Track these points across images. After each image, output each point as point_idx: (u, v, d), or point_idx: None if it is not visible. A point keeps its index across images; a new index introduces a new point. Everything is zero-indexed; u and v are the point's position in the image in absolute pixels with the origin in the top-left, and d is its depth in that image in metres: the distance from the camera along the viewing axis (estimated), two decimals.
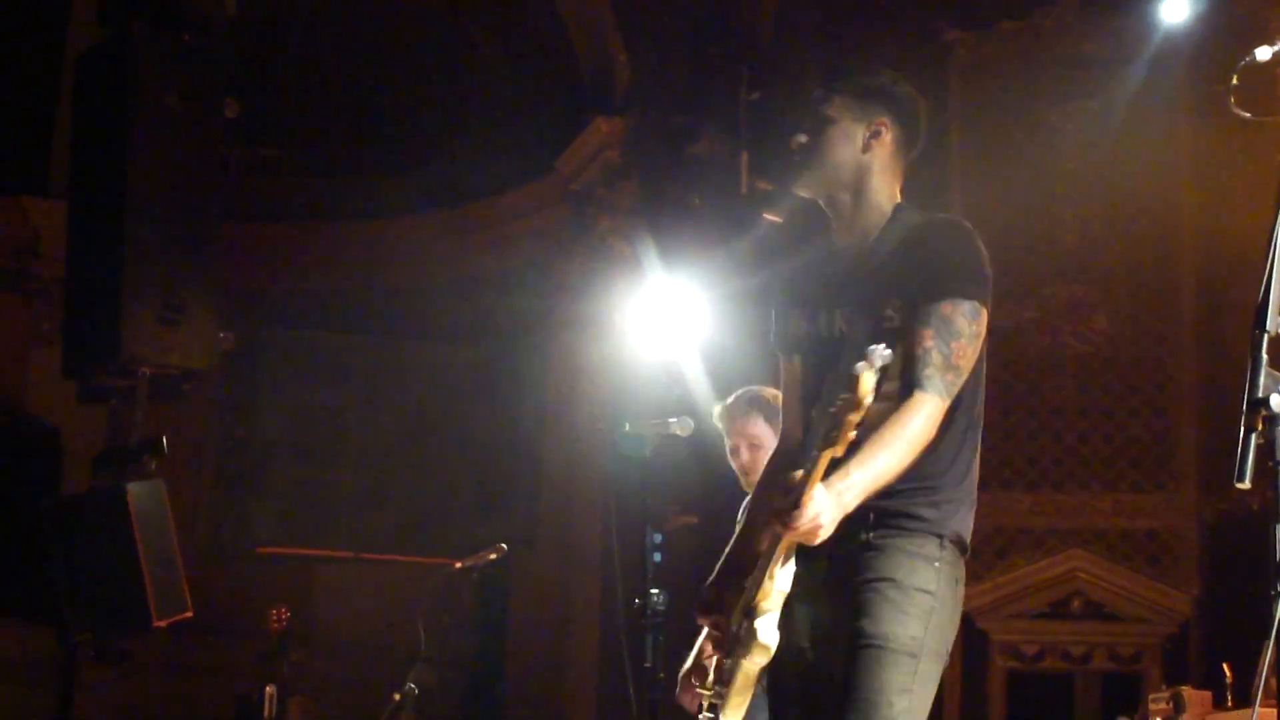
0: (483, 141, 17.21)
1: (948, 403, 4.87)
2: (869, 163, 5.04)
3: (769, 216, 14.66)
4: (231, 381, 16.73)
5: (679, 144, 15.36)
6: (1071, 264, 15.06)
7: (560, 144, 16.77)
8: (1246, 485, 4.00)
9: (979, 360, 5.02)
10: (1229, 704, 10.71)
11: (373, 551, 17.11)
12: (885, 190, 5.08)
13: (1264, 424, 4.04)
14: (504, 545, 10.14)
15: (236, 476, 17.79)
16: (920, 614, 4.75)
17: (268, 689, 13.38)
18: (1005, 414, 15.01)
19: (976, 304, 4.93)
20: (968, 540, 5.00)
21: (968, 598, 13.78)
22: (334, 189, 17.97)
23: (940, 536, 4.86)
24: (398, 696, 10.24)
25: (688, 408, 7.19)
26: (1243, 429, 4.04)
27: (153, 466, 9.10)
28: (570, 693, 15.87)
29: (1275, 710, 4.05)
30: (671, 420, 7.09)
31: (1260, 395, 4.04)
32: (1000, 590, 14.76)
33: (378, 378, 17.76)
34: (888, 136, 5.03)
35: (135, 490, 6.96)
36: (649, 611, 6.93)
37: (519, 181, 17.47)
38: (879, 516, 4.77)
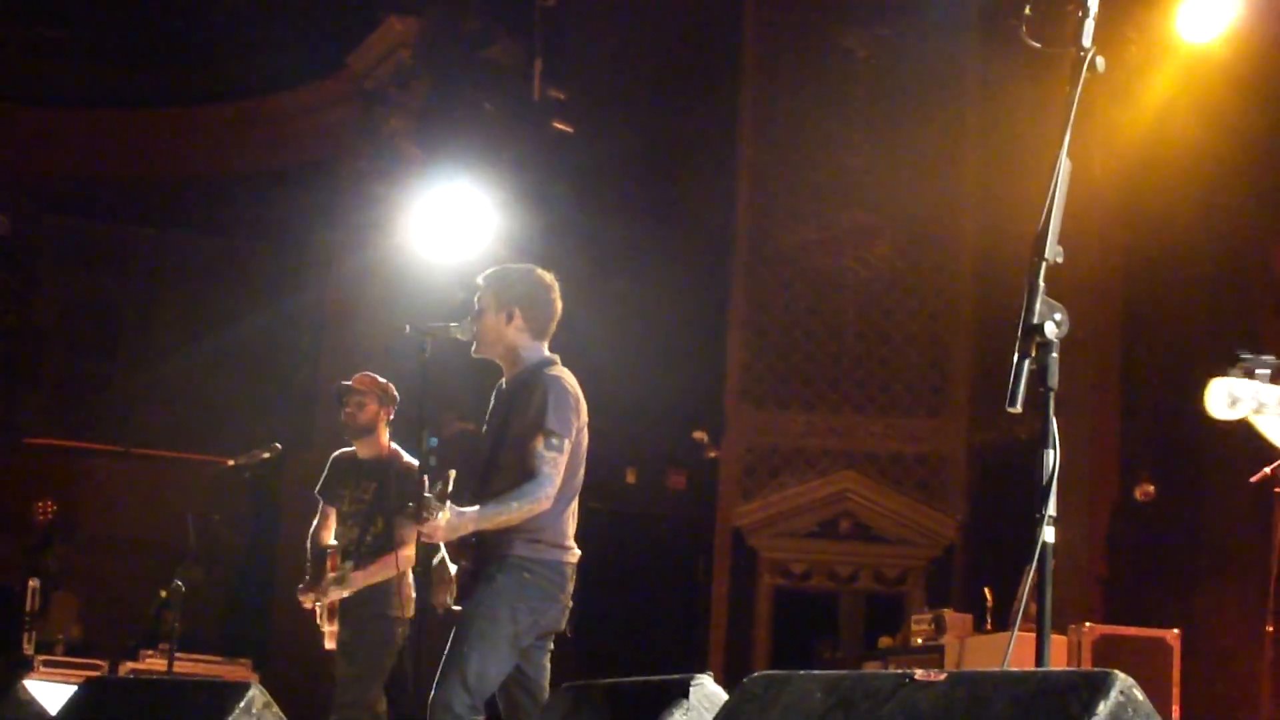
0: (273, 34, 16.92)
1: None
2: None
3: (560, 125, 14.61)
4: (6, 266, 16.36)
5: (473, 48, 15.24)
6: (857, 188, 15.19)
7: (353, 41, 16.55)
8: (1018, 410, 4.07)
9: None
10: (989, 627, 10.95)
11: (144, 447, 16.87)
12: None
13: (1038, 350, 4.10)
14: (278, 445, 10.02)
15: (5, 365, 17.42)
16: None
17: (31, 582, 13.15)
18: (784, 333, 15.15)
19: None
20: None
21: (741, 514, 13.87)
22: (119, 75, 17.58)
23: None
24: (164, 593, 10.11)
25: (471, 312, 7.07)
26: (1017, 355, 4.10)
27: None
28: None
29: (1034, 634, 4.11)
30: (452, 324, 7.03)
31: (1035, 321, 4.10)
32: (771, 509, 14.94)
33: (156, 270, 17.46)
34: None
35: None
36: (423, 516, 6.88)
37: (309, 77, 17.23)
38: None
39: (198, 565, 10.44)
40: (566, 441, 6.55)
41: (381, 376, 8.83)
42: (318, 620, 8.56)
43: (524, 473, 6.54)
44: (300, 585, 8.64)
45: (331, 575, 8.43)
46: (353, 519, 8.64)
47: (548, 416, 6.56)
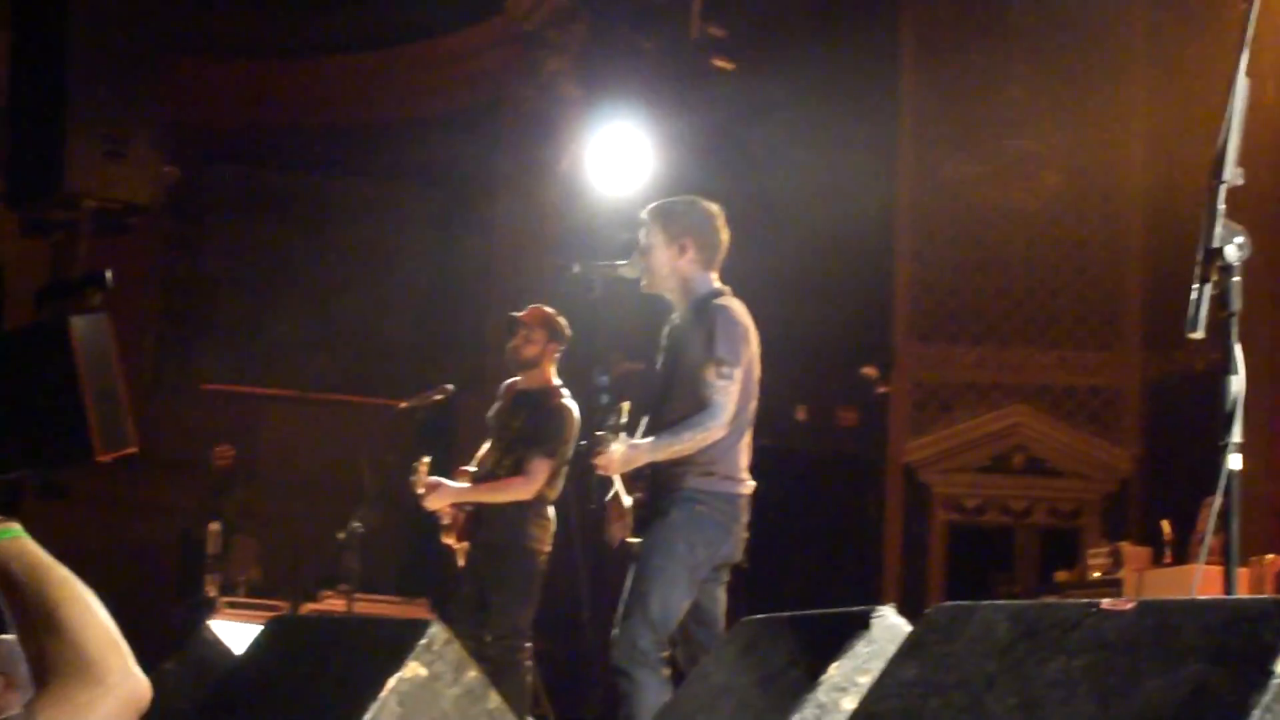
0: None
1: None
2: None
3: (719, 63, 14.55)
4: (176, 217, 16.56)
5: None
6: (1022, 119, 15.00)
7: None
8: (1199, 335, 4.00)
9: None
10: (1167, 560, 10.81)
11: (318, 391, 17.06)
12: None
13: (1218, 274, 4.03)
14: (450, 386, 10.09)
15: (181, 313, 17.68)
16: None
17: (212, 526, 13.35)
18: (951, 267, 15.03)
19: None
20: None
21: (912, 450, 13.78)
22: (282, 24, 17.72)
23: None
24: (342, 536, 10.22)
25: (638, 249, 7.07)
26: (1197, 279, 4.03)
27: (96, 300, 9.01)
28: None
29: (1220, 567, 4.05)
30: (620, 263, 7.04)
31: (1215, 245, 4.03)
32: (943, 444, 14.85)
33: (324, 217, 17.62)
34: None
35: (78, 323, 6.85)
36: (595, 451, 6.90)
37: (468, 21, 17.28)
38: None
39: (374, 508, 10.54)
40: (737, 370, 6.54)
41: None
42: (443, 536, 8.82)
43: (697, 403, 6.54)
44: None
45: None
46: (498, 444, 8.78)
47: (718, 346, 6.56)
